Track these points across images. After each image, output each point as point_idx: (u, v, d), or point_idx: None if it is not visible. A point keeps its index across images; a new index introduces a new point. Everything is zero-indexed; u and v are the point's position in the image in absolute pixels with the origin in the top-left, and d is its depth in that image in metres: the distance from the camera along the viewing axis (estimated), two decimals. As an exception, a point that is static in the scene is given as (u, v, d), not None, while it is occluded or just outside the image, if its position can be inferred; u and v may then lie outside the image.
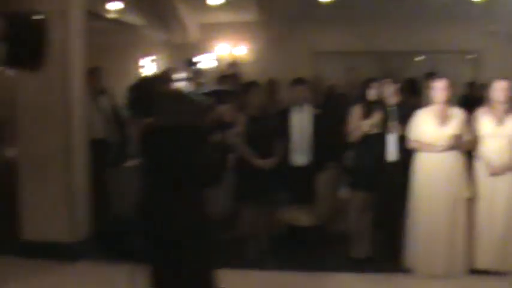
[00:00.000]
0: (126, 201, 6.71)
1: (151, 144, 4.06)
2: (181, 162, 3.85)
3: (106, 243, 6.91)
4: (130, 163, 7.10)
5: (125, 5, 11.49)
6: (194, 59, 4.54)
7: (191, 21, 12.92)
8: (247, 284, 5.82)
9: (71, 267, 6.53)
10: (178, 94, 4.21)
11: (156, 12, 11.88)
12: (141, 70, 13.32)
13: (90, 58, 7.18)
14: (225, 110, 6.15)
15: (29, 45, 0.80)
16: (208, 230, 4.14)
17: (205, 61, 11.81)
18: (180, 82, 4.27)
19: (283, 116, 7.02)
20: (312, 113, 7.00)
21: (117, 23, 12.02)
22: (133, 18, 12.16)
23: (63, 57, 6.57)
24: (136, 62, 13.53)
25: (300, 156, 6.93)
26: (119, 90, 8.52)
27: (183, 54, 12.45)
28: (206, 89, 4.18)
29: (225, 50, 13.23)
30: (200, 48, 13.18)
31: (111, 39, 12.26)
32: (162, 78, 4.73)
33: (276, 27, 12.52)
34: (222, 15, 12.71)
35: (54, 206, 6.66)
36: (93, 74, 7.67)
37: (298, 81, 7.10)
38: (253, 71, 11.39)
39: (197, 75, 4.92)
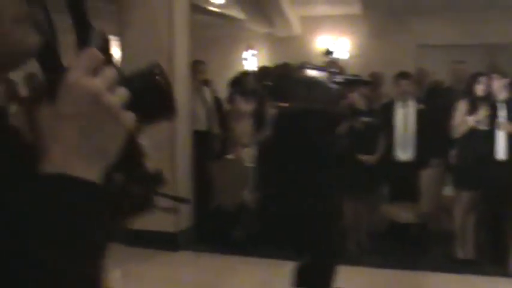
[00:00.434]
0: (227, 193, 6.82)
1: (286, 127, 4.36)
2: (313, 145, 4.06)
3: (207, 234, 7.03)
4: (232, 155, 7.18)
5: (228, -1, 11.62)
6: (330, 49, 4.78)
7: (293, 14, 12.89)
8: (346, 279, 5.75)
9: (173, 256, 6.69)
10: (313, 81, 4.37)
11: (258, 6, 11.93)
12: (243, 63, 13.46)
13: (194, 51, 7.30)
14: (357, 98, 6.28)
15: (153, 105, 0.83)
16: (337, 212, 4.40)
17: (339, 51, 11.88)
18: (315, 70, 4.42)
19: (386, 111, 6.91)
20: (416, 108, 6.85)
21: (220, 17, 12.17)
22: (236, 12, 12.26)
23: (168, 50, 6.71)
24: (238, 55, 13.67)
25: (403, 151, 6.81)
26: (222, 83, 8.64)
27: (285, 48, 12.49)
28: (339, 78, 4.35)
29: (327, 43, 13.13)
30: (302, 41, 13.15)
31: (214, 33, 12.45)
32: (299, 65, 4.95)
33: (379, 20, 12.32)
34: (324, 8, 12.63)
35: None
36: (197, 67, 7.79)
37: (403, 75, 6.97)
38: (356, 65, 11.25)
39: (332, 64, 5.15)
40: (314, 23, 13.17)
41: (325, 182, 4.22)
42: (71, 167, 0.79)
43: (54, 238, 0.75)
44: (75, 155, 0.79)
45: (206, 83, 8.21)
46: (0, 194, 0.78)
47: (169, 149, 6.77)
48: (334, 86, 4.31)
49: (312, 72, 4.38)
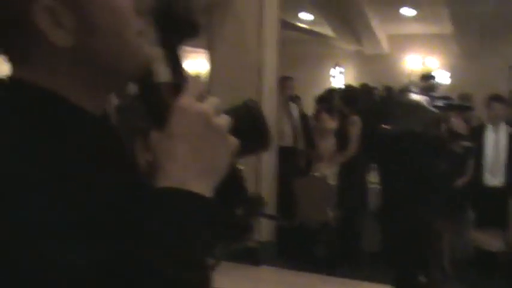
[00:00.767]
0: (310, 210, 6.80)
1: (386, 148, 4.50)
2: (412, 167, 4.13)
3: (289, 250, 7.02)
4: (316, 172, 7.15)
5: (317, 16, 11.65)
6: (431, 73, 4.90)
7: (382, 32, 12.80)
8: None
9: (254, 271, 6.70)
10: (415, 104, 4.42)
11: (347, 23, 11.91)
12: (331, 80, 13.43)
13: (282, 66, 7.33)
14: (457, 122, 6.31)
15: (248, 139, 0.88)
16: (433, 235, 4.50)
17: (439, 75, 11.75)
18: (417, 94, 4.49)
19: (476, 134, 6.74)
20: (508, 132, 6.65)
21: (309, 33, 12.21)
22: (325, 29, 12.28)
23: (257, 65, 6.77)
24: (326, 72, 13.66)
25: (493, 177, 6.61)
26: (309, 99, 8.64)
27: (372, 66, 12.39)
28: (440, 102, 4.40)
29: (416, 63, 12.95)
30: (390, 59, 13.03)
31: (302, 49, 12.48)
32: (401, 88, 5.05)
33: (471, 40, 12.05)
34: (413, 27, 12.47)
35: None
36: (285, 83, 7.82)
37: (496, 98, 6.77)
38: (445, 86, 11.04)
39: (432, 88, 5.24)
40: (403, 41, 13.04)
41: (422, 205, 4.22)
42: (185, 182, 0.85)
43: (170, 248, 0.80)
44: (189, 172, 0.86)
45: (293, 99, 8.23)
46: (113, 200, 0.82)
47: (254, 163, 6.80)
48: (435, 109, 4.34)
49: (413, 96, 4.39)
